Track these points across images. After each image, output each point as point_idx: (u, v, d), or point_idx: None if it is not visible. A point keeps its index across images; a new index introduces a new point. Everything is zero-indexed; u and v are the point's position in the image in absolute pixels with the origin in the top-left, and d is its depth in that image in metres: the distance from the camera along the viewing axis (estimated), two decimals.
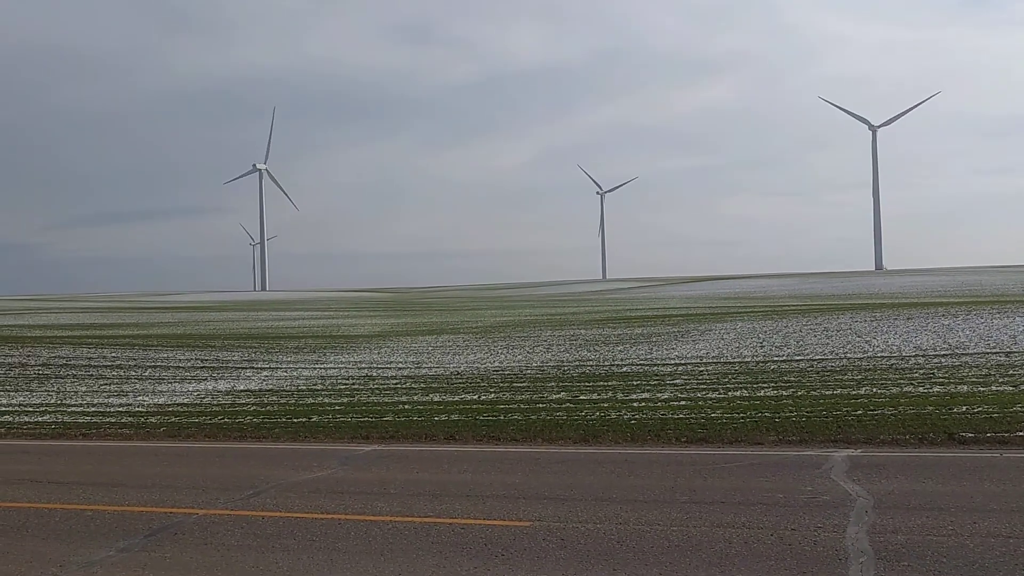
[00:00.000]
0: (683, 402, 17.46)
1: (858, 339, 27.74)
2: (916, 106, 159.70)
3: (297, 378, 25.16)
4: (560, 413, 16.65)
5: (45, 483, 11.31)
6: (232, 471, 11.89)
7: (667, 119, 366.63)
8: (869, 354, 24.22)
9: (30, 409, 20.18)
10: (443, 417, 16.69)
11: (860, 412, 15.31)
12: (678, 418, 15.51)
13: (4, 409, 20.26)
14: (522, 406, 17.82)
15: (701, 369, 23.04)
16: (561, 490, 10.18)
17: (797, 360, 23.92)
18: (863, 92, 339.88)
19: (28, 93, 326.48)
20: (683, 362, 24.90)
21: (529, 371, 24.51)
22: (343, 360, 30.35)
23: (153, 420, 17.78)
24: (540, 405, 17.85)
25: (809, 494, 9.69)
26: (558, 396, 19.13)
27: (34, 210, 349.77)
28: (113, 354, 33.85)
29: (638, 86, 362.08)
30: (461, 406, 18.20)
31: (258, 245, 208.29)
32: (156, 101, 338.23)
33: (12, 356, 33.12)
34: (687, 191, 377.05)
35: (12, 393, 23.34)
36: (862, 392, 17.62)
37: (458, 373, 24.86)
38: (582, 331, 38.34)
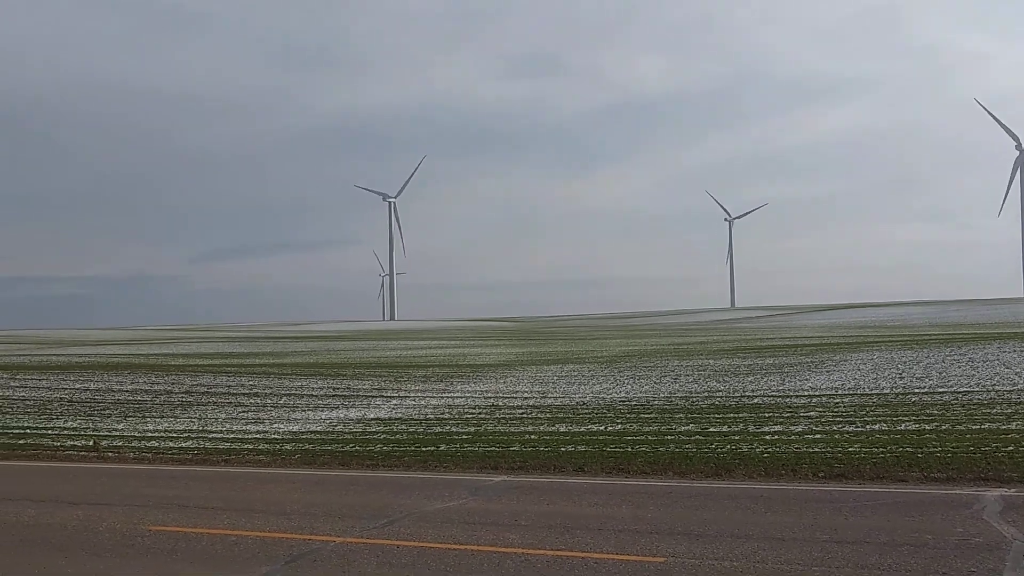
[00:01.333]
0: (818, 435, 16.89)
1: (1006, 370, 26.30)
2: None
3: (425, 407, 25.52)
4: (689, 446, 16.35)
5: (191, 508, 11.76)
6: (366, 499, 12.11)
7: (797, 144, 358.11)
8: (1019, 386, 22.92)
9: (174, 435, 21.09)
10: (570, 448, 16.62)
11: (1011, 448, 14.47)
12: (813, 452, 15.00)
13: (151, 435, 21.23)
14: (650, 438, 17.58)
15: (836, 401, 22.27)
16: (695, 525, 9.97)
17: (940, 392, 22.83)
18: (1006, 112, 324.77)
19: (172, 134, 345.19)
20: (817, 394, 24.12)
21: (656, 402, 24.19)
22: (469, 389, 30.65)
23: (288, 447, 18.29)
24: (668, 437, 17.58)
25: (960, 536, 9.19)
26: (687, 428, 18.80)
27: (179, 245, 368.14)
28: (250, 382, 35.12)
29: (767, 111, 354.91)
30: (588, 437, 18.08)
31: (387, 276, 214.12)
32: (292, 138, 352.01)
33: (158, 384, 34.76)
34: (819, 217, 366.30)
35: (158, 419, 24.46)
36: (1013, 427, 16.66)
37: (584, 403, 24.75)
38: (711, 361, 37.63)
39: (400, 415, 23.66)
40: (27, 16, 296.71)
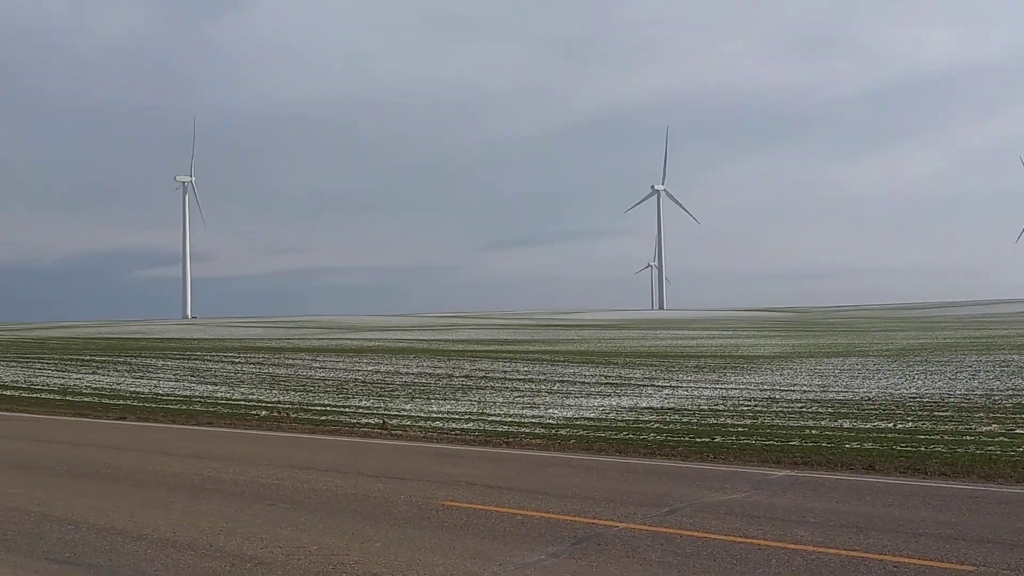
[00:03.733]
0: None
1: None
2: None
3: (698, 397, 25.18)
4: (993, 447, 15.01)
5: (479, 486, 12.27)
6: (645, 487, 12.09)
7: None
8: None
9: (456, 416, 22.14)
10: (855, 445, 15.77)
11: None
12: None
13: (435, 416, 22.42)
14: (946, 437, 16.32)
15: None
16: (1008, 534, 9.09)
17: None
18: None
19: (450, 132, 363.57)
20: None
21: (952, 399, 22.43)
22: (744, 381, 29.91)
23: (563, 432, 18.66)
24: (968, 437, 16.23)
25: None
26: (989, 428, 17.29)
27: (458, 236, 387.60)
28: (525, 368, 36.25)
29: None
30: (875, 434, 17.08)
31: (655, 266, 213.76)
32: (564, 129, 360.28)
33: (440, 368, 36.69)
34: None
35: (441, 402, 25.80)
36: None
37: (869, 398, 23.42)
38: (1015, 356, 34.40)
39: (673, 405, 23.49)
40: (330, 27, 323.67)
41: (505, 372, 34.76)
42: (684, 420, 20.28)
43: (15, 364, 45.01)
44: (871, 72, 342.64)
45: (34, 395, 30.46)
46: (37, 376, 38.12)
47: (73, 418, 23.47)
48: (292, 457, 15.56)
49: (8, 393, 31.18)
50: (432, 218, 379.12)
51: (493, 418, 21.73)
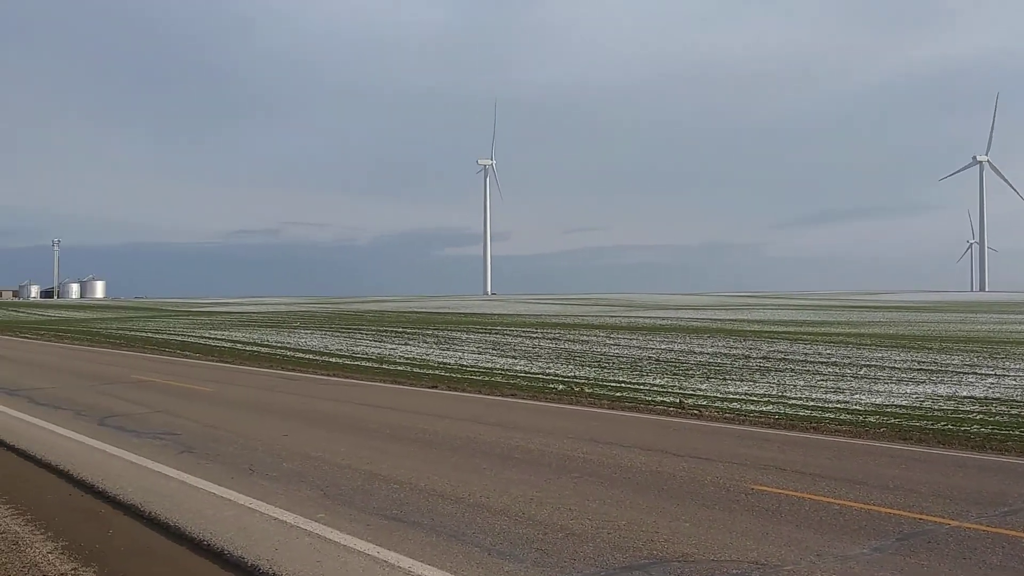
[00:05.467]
0: None
1: None
2: None
3: None
4: None
5: (788, 471, 11.76)
6: (977, 483, 11.05)
7: None
8: None
9: (754, 398, 21.48)
10: None
11: None
12: None
13: (732, 396, 21.89)
14: None
15: None
16: None
17: None
18: None
19: (750, 106, 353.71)
20: None
21: None
22: None
23: (872, 420, 17.55)
24: None
25: None
26: None
27: (762, 211, 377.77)
28: (827, 351, 34.54)
29: None
30: None
31: (976, 243, 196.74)
32: (871, 98, 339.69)
33: (736, 348, 35.86)
34: None
35: (737, 383, 25.16)
36: None
37: None
38: None
39: (999, 395, 21.42)
40: (625, 5, 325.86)
41: (805, 354, 33.32)
42: (1014, 412, 18.42)
43: (339, 334, 49.39)
44: None
45: (356, 363, 33.22)
46: (357, 345, 41.56)
47: (390, 385, 25.31)
48: (593, 431, 15.78)
49: (334, 360, 34.24)
50: (728, 195, 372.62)
51: (794, 401, 20.88)
